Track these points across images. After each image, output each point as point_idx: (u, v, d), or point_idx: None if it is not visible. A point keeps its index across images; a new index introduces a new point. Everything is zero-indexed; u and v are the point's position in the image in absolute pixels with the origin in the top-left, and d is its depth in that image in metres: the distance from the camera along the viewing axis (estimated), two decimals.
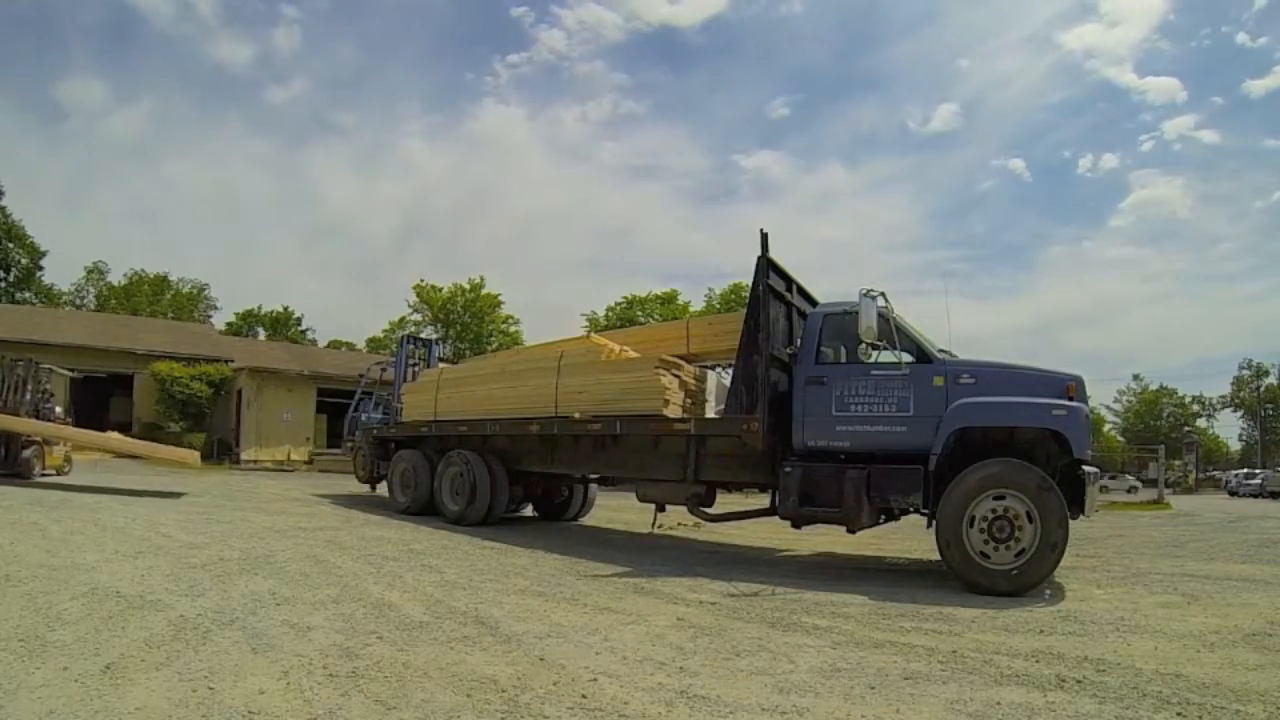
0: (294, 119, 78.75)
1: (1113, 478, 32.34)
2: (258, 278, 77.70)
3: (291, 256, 77.11)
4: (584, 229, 78.99)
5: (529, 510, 10.21)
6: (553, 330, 39.37)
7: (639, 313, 36.49)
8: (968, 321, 65.90)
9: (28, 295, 40.03)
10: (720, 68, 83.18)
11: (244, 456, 23.20)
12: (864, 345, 5.95)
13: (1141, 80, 79.06)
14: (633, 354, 7.85)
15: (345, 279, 75.07)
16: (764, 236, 6.34)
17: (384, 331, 44.44)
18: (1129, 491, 29.30)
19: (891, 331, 6.05)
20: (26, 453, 11.55)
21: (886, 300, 6.13)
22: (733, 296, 32.42)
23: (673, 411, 6.91)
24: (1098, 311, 78.13)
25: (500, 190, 78.12)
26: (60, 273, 60.78)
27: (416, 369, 13.29)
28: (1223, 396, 58.77)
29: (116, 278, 49.44)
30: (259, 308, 52.05)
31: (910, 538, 8.54)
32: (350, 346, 48.16)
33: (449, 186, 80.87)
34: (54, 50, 69.56)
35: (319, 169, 79.34)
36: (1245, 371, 56.84)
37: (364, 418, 15.32)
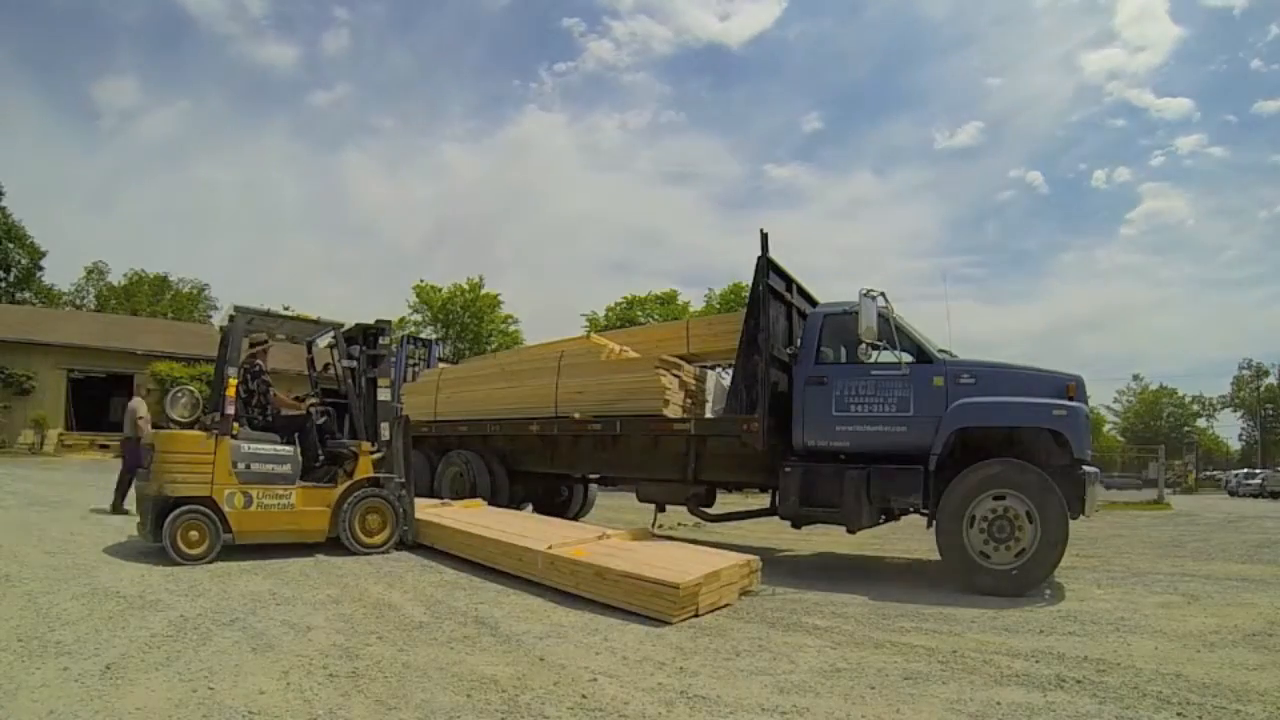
0: (333, 122, 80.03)
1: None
2: (280, 279, 78.30)
3: (317, 258, 77.55)
4: (614, 233, 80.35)
5: (529, 510, 10.20)
6: (559, 331, 39.40)
7: (639, 313, 36.42)
8: (980, 325, 68.67)
9: (28, 295, 40.01)
10: (762, 81, 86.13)
11: None
12: (864, 345, 5.95)
13: (1159, 100, 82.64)
14: (633, 354, 7.85)
15: (369, 281, 75.63)
16: (764, 237, 6.35)
17: None
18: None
19: (891, 331, 6.05)
20: None
21: (886, 300, 6.13)
22: (733, 296, 32.33)
23: (673, 411, 6.91)
24: (1106, 316, 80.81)
25: (534, 195, 79.30)
26: (63, 273, 61.04)
27: (416, 369, 13.29)
28: (1222, 396, 58.89)
29: (117, 278, 49.48)
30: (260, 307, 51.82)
31: (910, 538, 8.54)
32: None
33: (483, 191, 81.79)
34: (94, 48, 70.46)
35: (352, 172, 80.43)
36: (1245, 371, 56.87)
37: None
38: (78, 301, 47.28)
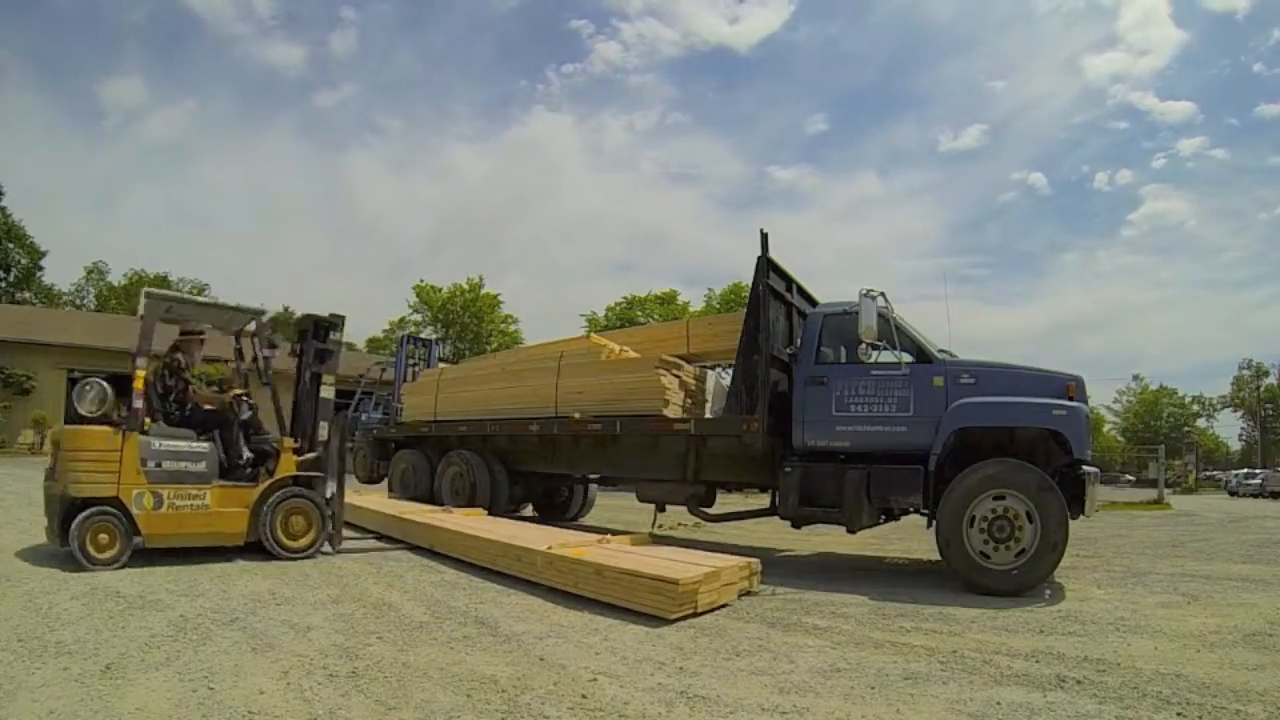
0: (339, 122, 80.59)
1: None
2: (284, 278, 78.78)
3: (322, 258, 77.92)
4: (617, 233, 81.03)
5: (529, 510, 10.22)
6: (559, 331, 39.52)
7: (639, 313, 36.46)
8: (981, 325, 69.01)
9: (28, 295, 40.02)
10: (768, 83, 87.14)
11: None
12: (864, 345, 5.95)
13: (1161, 103, 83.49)
14: (633, 354, 7.85)
15: (373, 281, 76.09)
16: (764, 237, 6.35)
17: (384, 332, 44.45)
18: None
19: (891, 331, 6.05)
20: None
21: (886, 300, 6.13)
22: (733, 296, 32.39)
23: (673, 411, 6.91)
24: (1107, 316, 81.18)
25: (539, 195, 79.91)
26: (63, 273, 61.23)
27: (416, 369, 13.31)
28: (1222, 396, 58.90)
29: (117, 278, 49.49)
30: (259, 307, 51.97)
31: (910, 538, 8.54)
32: (350, 346, 48.17)
33: (488, 191, 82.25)
34: (101, 48, 70.94)
35: (358, 172, 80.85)
36: (1245, 371, 56.89)
37: (364, 418, 15.34)
38: (78, 301, 47.28)
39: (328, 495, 6.09)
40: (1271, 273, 76.00)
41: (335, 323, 6.39)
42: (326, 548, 6.05)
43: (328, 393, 6.24)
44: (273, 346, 6.27)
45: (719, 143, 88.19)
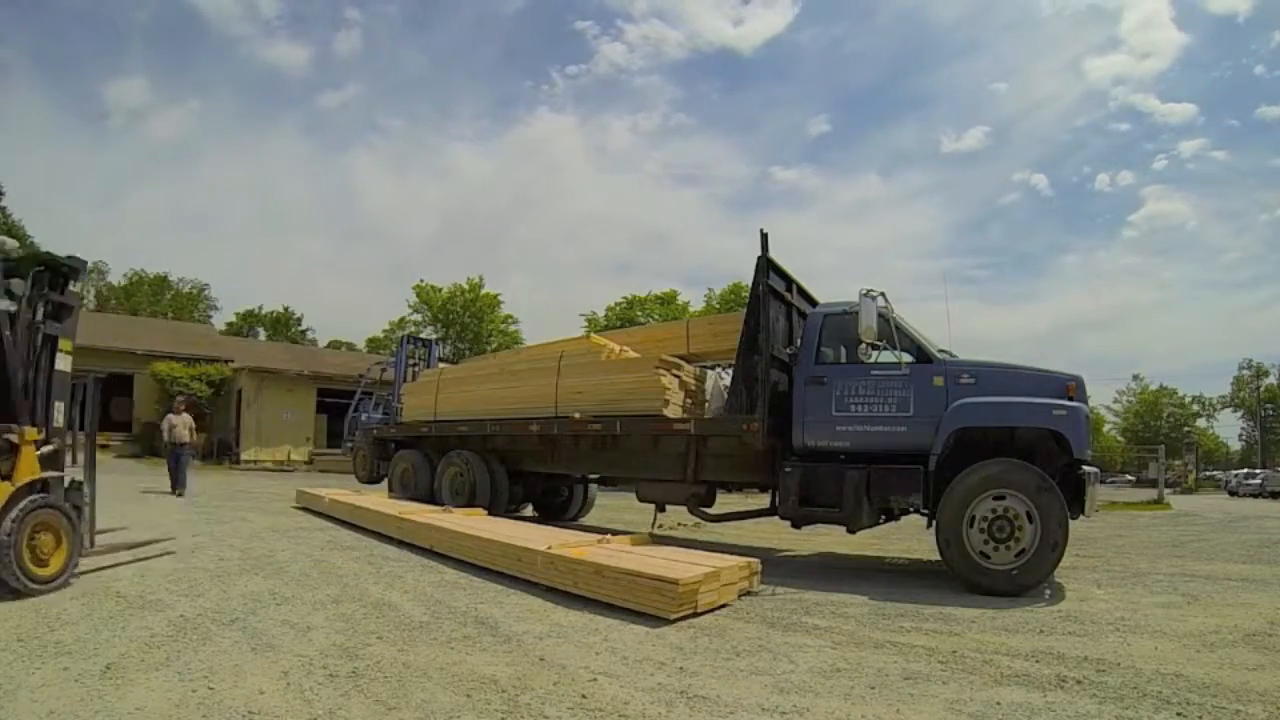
0: (343, 123, 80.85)
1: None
2: (287, 278, 78.92)
3: (325, 258, 78.32)
4: (619, 234, 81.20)
5: (529, 510, 10.22)
6: (560, 331, 39.50)
7: (639, 313, 36.41)
8: (983, 325, 69.43)
9: None
10: (772, 85, 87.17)
11: (244, 456, 23.23)
12: (864, 345, 5.95)
13: (1163, 105, 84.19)
14: (633, 354, 7.85)
15: (376, 281, 76.50)
16: (764, 237, 6.35)
17: (384, 332, 44.46)
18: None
19: (891, 331, 6.05)
20: None
21: (886, 300, 6.13)
22: (732, 296, 32.34)
23: (673, 411, 6.91)
24: (1108, 316, 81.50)
25: (542, 196, 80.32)
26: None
27: (416, 369, 13.32)
28: (1223, 396, 58.84)
29: (117, 278, 49.53)
30: (259, 308, 52.16)
31: (910, 538, 8.54)
32: (350, 346, 48.26)
33: (491, 191, 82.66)
34: (105, 48, 71.05)
35: (360, 172, 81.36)
36: (1245, 371, 56.85)
37: (364, 418, 15.33)
38: None
39: (69, 484, 4.76)
40: (1272, 273, 76.20)
41: (76, 267, 4.81)
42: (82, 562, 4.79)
43: (64, 363, 4.74)
44: (11, 296, 4.50)
45: (722, 143, 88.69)
